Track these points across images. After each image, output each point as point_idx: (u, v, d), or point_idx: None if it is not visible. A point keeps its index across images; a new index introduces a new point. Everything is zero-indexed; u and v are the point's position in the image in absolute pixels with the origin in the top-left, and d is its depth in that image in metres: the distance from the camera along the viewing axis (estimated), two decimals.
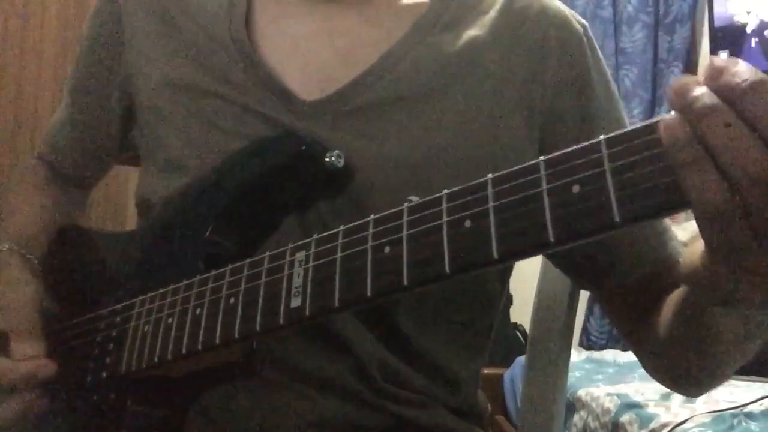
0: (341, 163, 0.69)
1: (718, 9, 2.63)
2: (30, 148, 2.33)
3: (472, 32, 0.79)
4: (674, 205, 0.39)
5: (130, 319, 0.72)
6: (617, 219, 0.41)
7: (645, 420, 1.62)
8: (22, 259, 0.85)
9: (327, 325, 0.73)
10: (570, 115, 0.78)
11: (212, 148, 0.77)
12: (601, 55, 0.82)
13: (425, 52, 0.77)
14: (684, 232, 0.84)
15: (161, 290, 0.70)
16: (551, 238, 0.43)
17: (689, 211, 0.41)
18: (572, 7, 2.87)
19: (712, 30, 2.64)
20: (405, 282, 0.51)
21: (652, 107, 2.99)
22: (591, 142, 0.44)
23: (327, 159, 0.69)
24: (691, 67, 2.96)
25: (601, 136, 0.43)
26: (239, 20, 0.81)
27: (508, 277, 0.87)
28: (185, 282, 0.68)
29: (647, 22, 2.99)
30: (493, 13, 0.80)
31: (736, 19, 2.51)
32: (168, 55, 0.83)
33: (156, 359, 0.67)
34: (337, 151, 0.69)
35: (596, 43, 0.83)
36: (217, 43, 0.81)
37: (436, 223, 0.50)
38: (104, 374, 0.73)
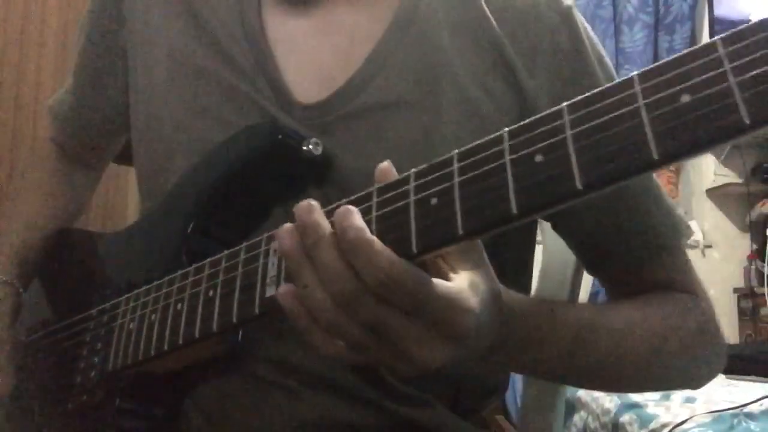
0: (319, 150, 0.69)
1: (718, 9, 2.63)
2: (30, 146, 2.32)
3: (453, 27, 0.77)
4: (636, 168, 0.38)
5: (116, 318, 0.72)
6: (579, 186, 0.40)
7: (645, 420, 1.61)
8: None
9: None
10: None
11: (209, 136, 0.76)
12: (589, 35, 0.79)
13: (413, 50, 0.75)
14: None
15: (145, 287, 0.70)
16: (514, 210, 0.42)
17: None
18: None
19: (713, 30, 2.64)
20: None
21: None
22: (554, 109, 0.43)
23: (304, 147, 0.69)
24: None
25: (564, 103, 0.42)
26: (253, 12, 0.80)
27: (529, 272, 0.85)
28: (167, 278, 0.67)
29: (647, 22, 2.99)
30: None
31: (736, 19, 2.51)
32: (182, 37, 0.82)
33: (140, 356, 0.67)
34: (314, 139, 0.69)
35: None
36: (231, 34, 0.79)
37: (403, 202, 0.49)
38: (93, 373, 0.73)
